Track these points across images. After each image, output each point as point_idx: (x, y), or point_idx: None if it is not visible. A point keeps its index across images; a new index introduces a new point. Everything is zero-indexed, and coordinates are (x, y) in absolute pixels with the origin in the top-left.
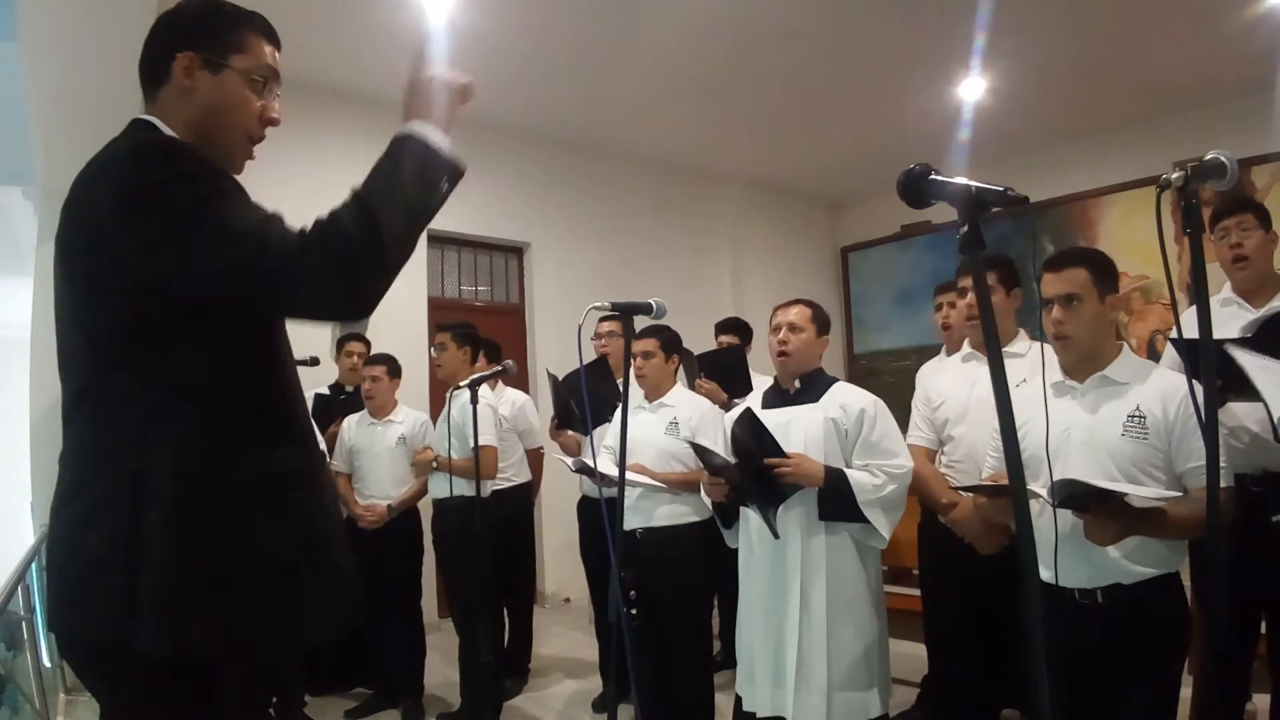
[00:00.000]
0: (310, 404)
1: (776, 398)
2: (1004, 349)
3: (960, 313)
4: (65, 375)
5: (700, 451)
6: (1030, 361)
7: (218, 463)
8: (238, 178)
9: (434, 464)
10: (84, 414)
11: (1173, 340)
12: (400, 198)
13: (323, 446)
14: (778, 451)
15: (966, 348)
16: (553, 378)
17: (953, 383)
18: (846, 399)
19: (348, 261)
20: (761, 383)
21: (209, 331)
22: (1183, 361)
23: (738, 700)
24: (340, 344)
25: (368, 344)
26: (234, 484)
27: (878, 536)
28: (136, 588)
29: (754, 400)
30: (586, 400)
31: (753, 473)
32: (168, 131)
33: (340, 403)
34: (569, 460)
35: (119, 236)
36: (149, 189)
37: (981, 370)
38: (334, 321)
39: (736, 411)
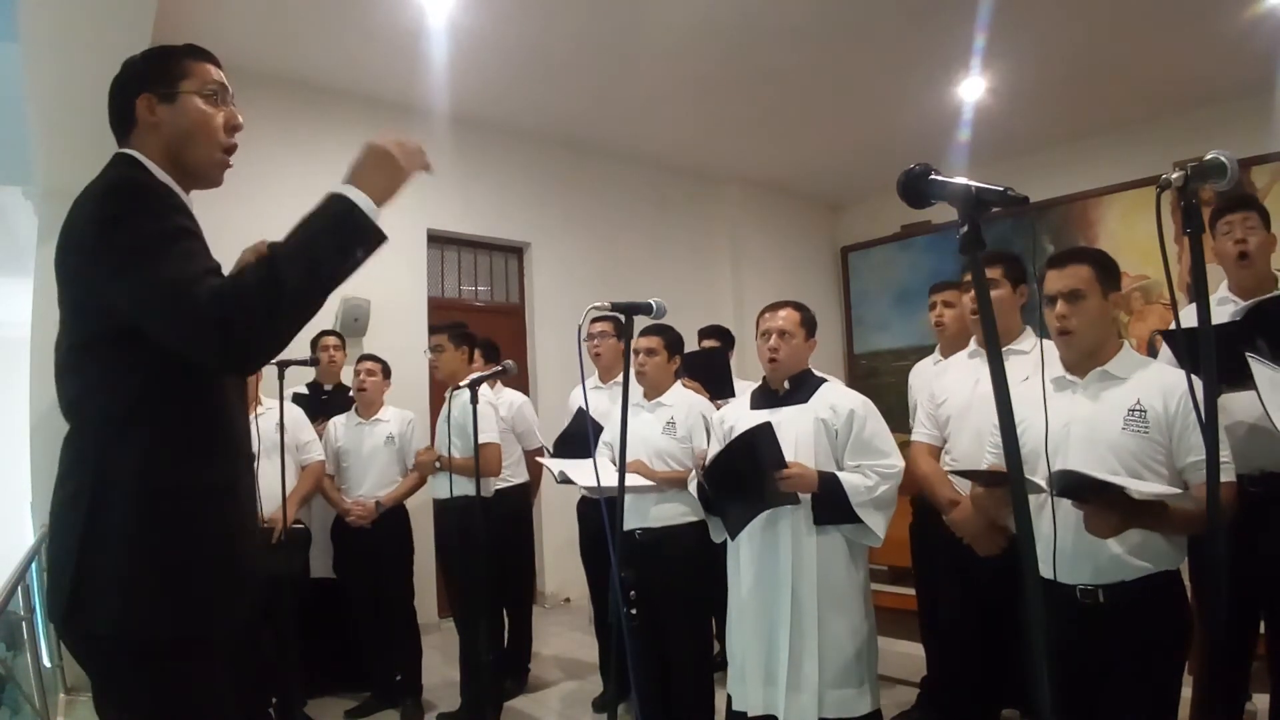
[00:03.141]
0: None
1: (765, 399)
2: (1009, 346)
3: (965, 309)
4: (59, 382)
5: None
6: (1035, 359)
7: (165, 477)
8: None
9: (437, 464)
10: (78, 417)
11: (1165, 334)
12: (310, 259)
13: (308, 447)
14: (781, 463)
15: (973, 345)
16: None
17: (957, 380)
18: (835, 400)
19: (239, 319)
20: (743, 387)
21: (163, 352)
22: (1175, 355)
23: (729, 699)
24: (314, 341)
25: (341, 338)
26: (176, 494)
27: (871, 536)
28: (84, 575)
29: (742, 402)
30: (589, 415)
31: (746, 476)
32: (147, 163)
33: (321, 402)
34: (554, 469)
35: (92, 263)
36: (117, 220)
37: (986, 368)
38: (223, 372)
39: (726, 410)
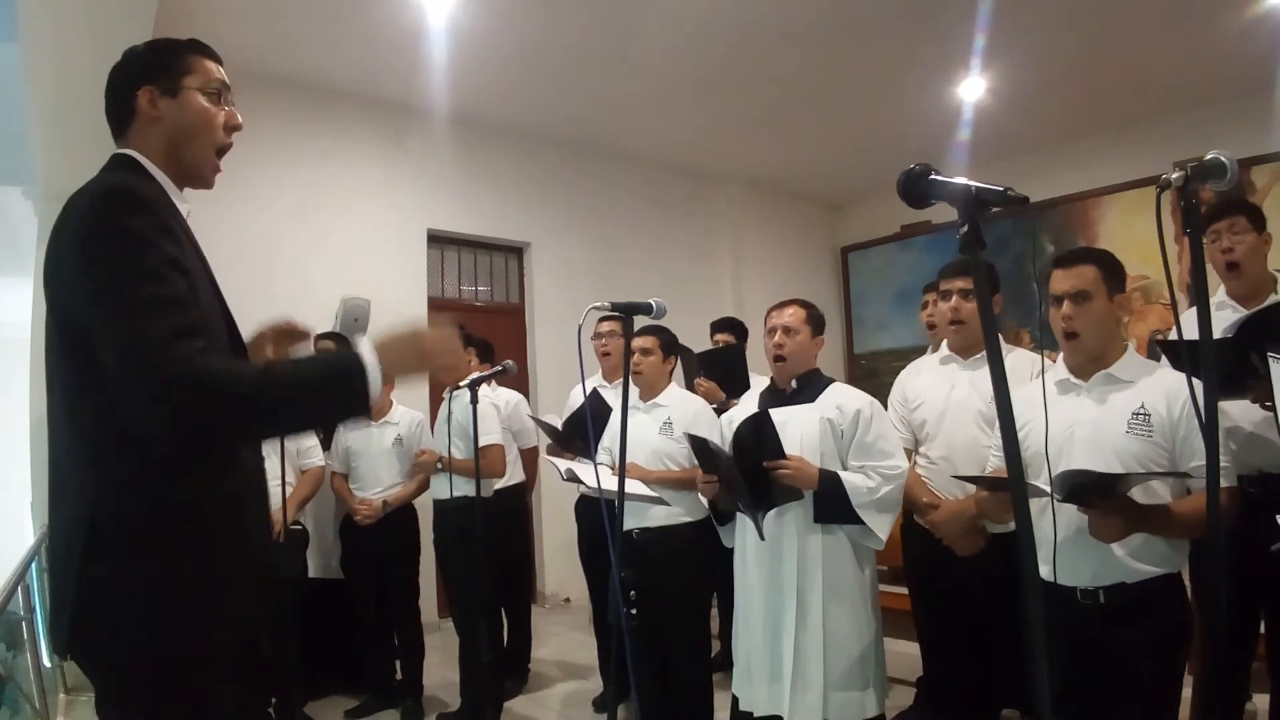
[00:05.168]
0: None
1: (773, 398)
2: (979, 355)
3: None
4: (49, 387)
5: (696, 444)
6: (1010, 366)
7: (165, 495)
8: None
9: (438, 465)
10: (59, 430)
11: (1161, 344)
12: (299, 399)
13: (309, 452)
14: (779, 454)
15: (944, 350)
16: (553, 429)
17: (931, 384)
18: (843, 400)
19: (199, 414)
20: (759, 382)
21: None
22: (1173, 364)
23: (734, 699)
24: (315, 343)
25: (339, 340)
26: (178, 514)
27: (874, 538)
28: (85, 603)
29: (750, 400)
30: (590, 420)
31: (748, 472)
32: (146, 163)
33: None
34: (560, 467)
35: (76, 280)
36: (102, 236)
37: (961, 374)
38: (159, 445)
39: (735, 412)
